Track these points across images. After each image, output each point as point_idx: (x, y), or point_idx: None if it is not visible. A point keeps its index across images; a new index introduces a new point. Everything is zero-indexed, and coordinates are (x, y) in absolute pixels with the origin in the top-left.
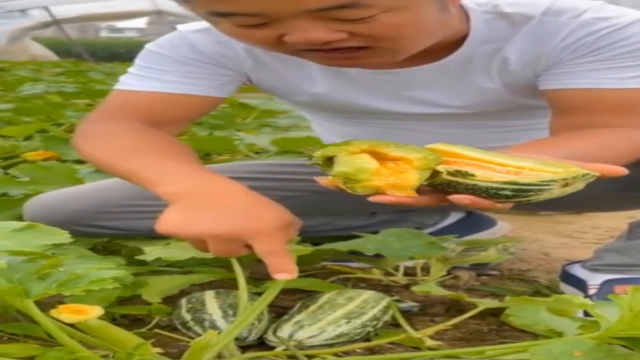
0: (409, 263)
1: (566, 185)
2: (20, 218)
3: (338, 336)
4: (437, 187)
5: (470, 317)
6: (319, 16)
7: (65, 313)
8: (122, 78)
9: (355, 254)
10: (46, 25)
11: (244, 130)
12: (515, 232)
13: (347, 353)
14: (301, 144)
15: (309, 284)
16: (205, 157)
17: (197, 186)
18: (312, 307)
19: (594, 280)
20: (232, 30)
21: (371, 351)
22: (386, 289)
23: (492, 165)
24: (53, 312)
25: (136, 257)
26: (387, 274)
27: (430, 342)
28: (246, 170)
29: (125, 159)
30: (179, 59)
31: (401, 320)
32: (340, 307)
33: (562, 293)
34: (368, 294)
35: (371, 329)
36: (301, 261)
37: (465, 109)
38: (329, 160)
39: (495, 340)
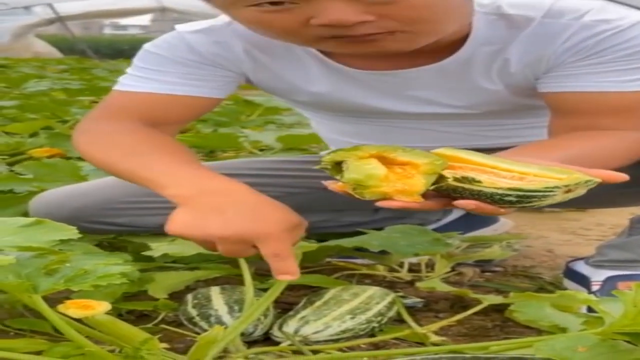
0: (414, 259)
1: (569, 191)
2: (25, 215)
3: (343, 332)
4: (443, 191)
5: (475, 313)
6: None
7: (73, 308)
8: (120, 79)
9: (360, 251)
10: (50, 22)
11: (249, 127)
12: (519, 229)
13: (351, 348)
14: (306, 141)
15: (314, 280)
16: (210, 154)
17: (204, 187)
18: (318, 303)
19: (597, 276)
20: (255, 16)
21: (376, 347)
22: (391, 285)
23: (497, 171)
24: (60, 308)
25: (142, 253)
26: (392, 270)
27: (434, 338)
28: (250, 167)
29: (127, 158)
30: (177, 60)
31: (406, 316)
32: (346, 303)
33: (565, 289)
34: (373, 290)
35: (376, 325)
36: (306, 257)
37: (465, 109)
38: (338, 165)
39: (499, 336)
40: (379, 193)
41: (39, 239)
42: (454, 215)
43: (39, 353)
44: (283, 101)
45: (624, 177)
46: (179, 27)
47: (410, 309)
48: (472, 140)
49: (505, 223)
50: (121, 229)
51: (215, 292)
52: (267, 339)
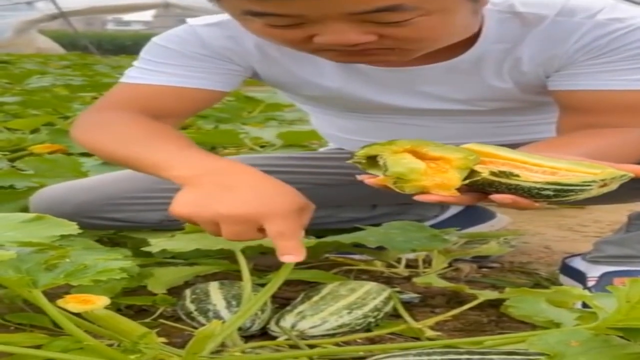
0: (411, 255)
1: (604, 185)
2: (25, 210)
3: (340, 326)
4: (478, 186)
5: (470, 309)
6: (354, 18)
7: (72, 303)
8: (126, 72)
9: (358, 247)
10: (52, 17)
11: (250, 124)
12: (517, 225)
13: (348, 343)
14: (306, 137)
15: (312, 276)
16: (211, 151)
17: (210, 167)
18: (315, 298)
19: (594, 272)
20: (263, 29)
21: (372, 341)
22: (388, 281)
23: (528, 166)
24: (60, 302)
25: (142, 248)
26: (389, 266)
27: (430, 333)
28: (251, 163)
29: (129, 144)
30: (187, 54)
31: (402, 311)
32: (343, 298)
33: (561, 285)
34: (370, 286)
35: (372, 320)
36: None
37: (476, 106)
38: (371, 159)
39: (494, 331)
40: (419, 187)
41: (39, 234)
42: (451, 211)
43: (38, 347)
44: (287, 96)
45: None
46: (191, 21)
47: (407, 304)
48: (482, 137)
49: (503, 219)
50: (121, 225)
51: (213, 287)
52: (264, 334)
